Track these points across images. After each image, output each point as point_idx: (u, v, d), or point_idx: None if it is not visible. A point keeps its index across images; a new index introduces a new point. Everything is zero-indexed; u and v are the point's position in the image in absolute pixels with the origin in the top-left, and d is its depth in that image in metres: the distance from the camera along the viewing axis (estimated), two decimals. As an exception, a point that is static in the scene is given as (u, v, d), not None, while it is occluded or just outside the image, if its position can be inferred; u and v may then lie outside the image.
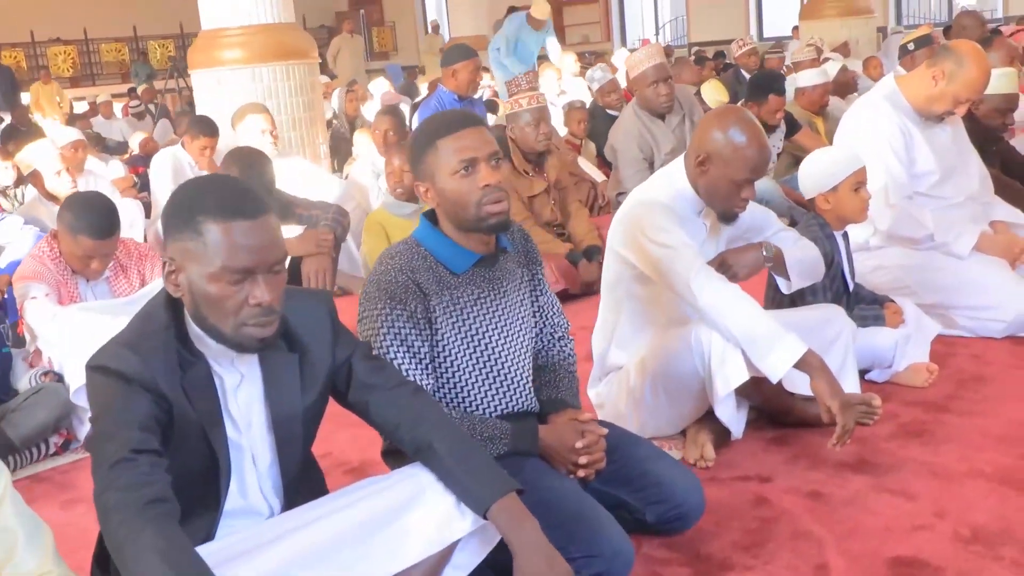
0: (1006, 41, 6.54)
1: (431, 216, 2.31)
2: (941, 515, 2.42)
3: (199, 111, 6.59)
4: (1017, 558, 2.21)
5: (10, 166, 5.44)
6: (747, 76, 8.08)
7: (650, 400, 2.82)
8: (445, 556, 1.91)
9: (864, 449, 2.79)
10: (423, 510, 1.87)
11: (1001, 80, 4.42)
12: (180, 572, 1.57)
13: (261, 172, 3.96)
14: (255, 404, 1.90)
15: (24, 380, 3.42)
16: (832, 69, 7.28)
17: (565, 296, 4.60)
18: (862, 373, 3.09)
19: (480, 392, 2.30)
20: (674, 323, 2.83)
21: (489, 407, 2.31)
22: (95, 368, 1.75)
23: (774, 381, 2.59)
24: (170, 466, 1.72)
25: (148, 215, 5.78)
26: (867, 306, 3.33)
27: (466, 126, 2.20)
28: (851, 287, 3.33)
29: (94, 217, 3.44)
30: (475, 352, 2.28)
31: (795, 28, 13.66)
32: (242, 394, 1.88)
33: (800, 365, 2.52)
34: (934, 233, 3.64)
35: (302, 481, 2.00)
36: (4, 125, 10.01)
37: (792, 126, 6.08)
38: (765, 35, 18.68)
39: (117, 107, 14.47)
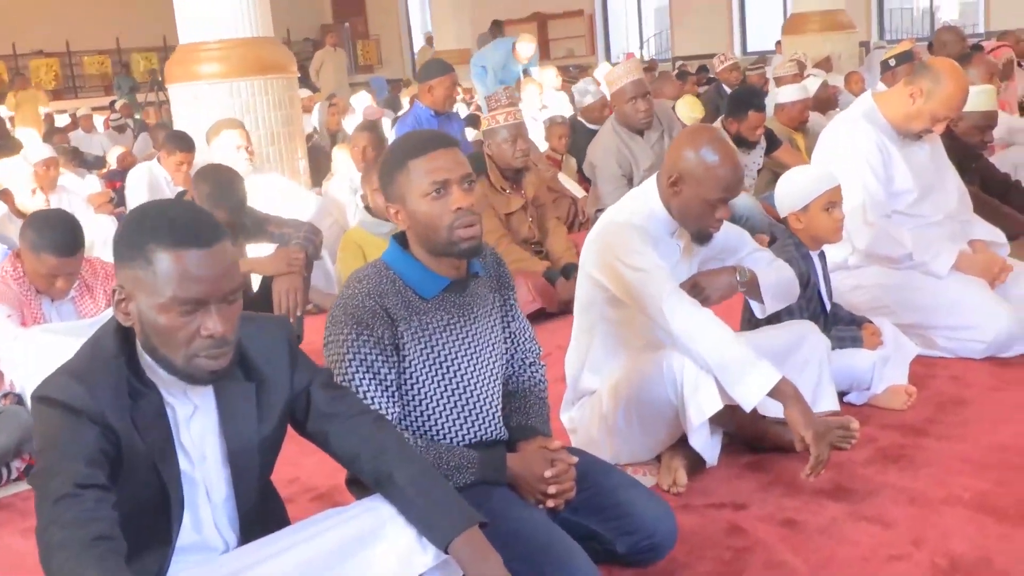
0: (985, 58, 6.56)
1: (401, 239, 2.25)
2: (918, 544, 2.37)
3: (177, 125, 6.52)
4: (995, 589, 2.17)
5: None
6: (728, 91, 8.06)
7: (623, 427, 2.77)
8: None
9: (841, 475, 2.74)
10: (384, 544, 1.81)
11: (980, 97, 4.41)
12: (124, 613, 1.51)
13: (232, 190, 3.89)
14: (209, 436, 1.84)
15: (-16, 403, 3.34)
16: (812, 85, 7.26)
17: (542, 315, 4.55)
18: (840, 396, 3.05)
19: (448, 420, 2.24)
20: (648, 347, 2.78)
21: (457, 436, 2.25)
22: (40, 399, 1.70)
23: (747, 410, 2.55)
24: (119, 500, 1.66)
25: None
26: (844, 327, 3.29)
27: (438, 147, 2.15)
28: (828, 308, 3.29)
29: (57, 234, 3.37)
30: (443, 379, 2.22)
31: (778, 43, 13.67)
32: (195, 425, 1.82)
33: (773, 393, 2.47)
34: (912, 252, 3.60)
35: (260, 513, 1.94)
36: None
37: (772, 142, 6.05)
38: (749, 49, 18.68)
39: (99, 120, 14.34)
